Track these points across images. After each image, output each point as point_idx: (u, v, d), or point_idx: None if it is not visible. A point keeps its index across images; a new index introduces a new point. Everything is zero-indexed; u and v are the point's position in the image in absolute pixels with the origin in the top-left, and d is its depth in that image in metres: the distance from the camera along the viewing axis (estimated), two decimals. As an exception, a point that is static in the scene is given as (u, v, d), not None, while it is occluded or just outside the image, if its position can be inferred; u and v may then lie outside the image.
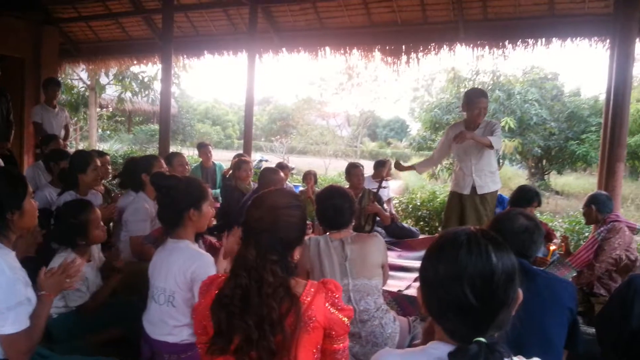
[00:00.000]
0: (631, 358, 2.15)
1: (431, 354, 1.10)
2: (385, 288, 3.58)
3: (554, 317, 1.90)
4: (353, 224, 2.67)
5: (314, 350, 1.50)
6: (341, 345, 1.57)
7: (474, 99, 4.29)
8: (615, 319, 2.18)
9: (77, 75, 13.07)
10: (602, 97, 6.12)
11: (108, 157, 4.72)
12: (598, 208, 3.70)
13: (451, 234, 1.16)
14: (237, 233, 2.40)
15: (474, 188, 4.44)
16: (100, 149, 7.06)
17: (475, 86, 15.31)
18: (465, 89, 15.49)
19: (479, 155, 4.42)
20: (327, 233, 2.59)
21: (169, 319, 2.19)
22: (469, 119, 4.36)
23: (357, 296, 2.46)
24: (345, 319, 1.56)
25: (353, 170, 5.15)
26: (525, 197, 3.95)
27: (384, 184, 5.44)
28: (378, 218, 5.23)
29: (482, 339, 1.02)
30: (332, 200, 2.56)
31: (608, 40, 5.55)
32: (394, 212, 5.87)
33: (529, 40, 6.16)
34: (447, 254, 1.11)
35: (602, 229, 3.62)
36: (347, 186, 5.26)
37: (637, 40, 4.91)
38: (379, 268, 2.58)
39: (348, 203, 2.58)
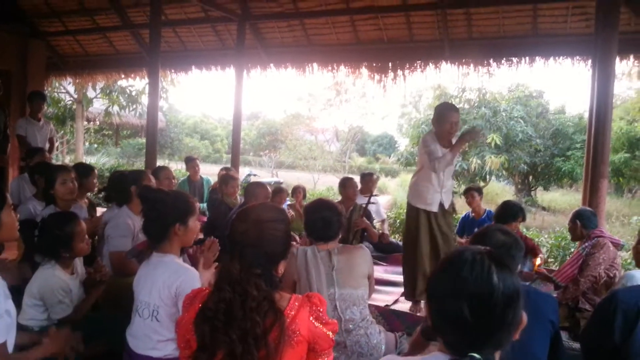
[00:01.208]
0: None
1: None
2: (372, 302, 3.60)
3: (536, 330, 1.92)
4: (340, 236, 2.70)
5: (298, 365, 1.51)
6: (325, 359, 1.57)
7: (445, 113, 4.02)
8: (598, 334, 2.20)
9: (64, 89, 13.02)
10: (586, 115, 6.23)
11: (95, 172, 4.70)
12: (583, 224, 3.75)
13: (458, 252, 1.19)
14: (215, 244, 2.43)
15: (441, 205, 4.14)
16: (88, 162, 7.02)
17: (461, 103, 15.52)
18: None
19: (448, 171, 4.19)
20: (315, 244, 2.63)
21: (153, 333, 2.17)
22: (440, 133, 4.06)
23: (343, 305, 2.49)
24: (330, 333, 1.57)
25: (348, 183, 5.22)
26: (510, 212, 3.99)
27: (372, 199, 5.48)
28: (366, 233, 5.26)
29: (477, 355, 1.06)
30: (321, 212, 2.60)
31: (590, 60, 5.69)
32: (387, 232, 5.86)
33: (513, 58, 6.30)
34: (450, 270, 1.16)
35: (586, 244, 3.67)
36: (339, 199, 5.31)
37: (617, 59, 5.05)
38: (365, 278, 2.61)
39: (336, 216, 2.62)
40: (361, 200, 5.41)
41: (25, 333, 2.34)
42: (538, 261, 4.30)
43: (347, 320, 2.47)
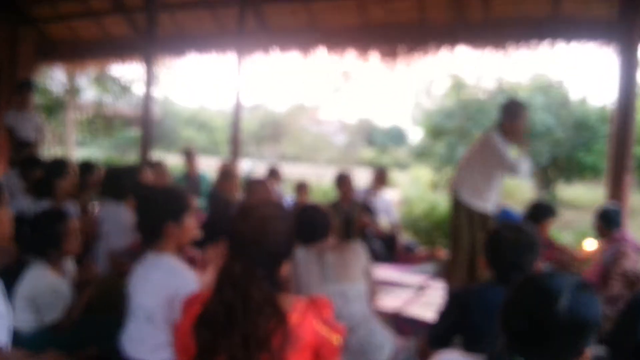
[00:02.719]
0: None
1: None
2: (381, 309, 3.61)
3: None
4: (331, 237, 2.77)
5: (302, 371, 1.52)
6: (332, 365, 1.58)
7: (521, 111, 4.15)
8: (625, 332, 2.23)
9: (55, 77, 13.06)
10: (609, 105, 6.19)
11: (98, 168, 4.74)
12: (604, 224, 3.76)
13: (547, 275, 1.39)
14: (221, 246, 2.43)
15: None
16: (79, 155, 7.05)
17: (478, 93, 15.44)
18: (469, 97, 15.63)
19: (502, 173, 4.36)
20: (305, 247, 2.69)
21: (148, 337, 2.19)
22: (511, 130, 4.16)
23: (341, 301, 2.51)
24: (336, 338, 1.57)
25: (343, 180, 5.21)
26: (541, 211, 4.02)
27: (379, 197, 5.49)
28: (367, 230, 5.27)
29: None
30: (306, 215, 2.69)
31: (614, 44, 5.63)
32: (400, 239, 5.80)
33: (532, 40, 6.22)
34: (541, 302, 1.27)
35: (607, 252, 3.68)
36: (339, 197, 5.32)
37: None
38: (361, 273, 2.66)
39: (321, 216, 2.73)
40: (369, 195, 5.42)
41: (23, 351, 2.38)
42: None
43: (346, 317, 2.48)
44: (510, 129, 4.17)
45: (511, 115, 4.17)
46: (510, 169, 4.12)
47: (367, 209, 5.21)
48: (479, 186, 4.25)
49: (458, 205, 4.31)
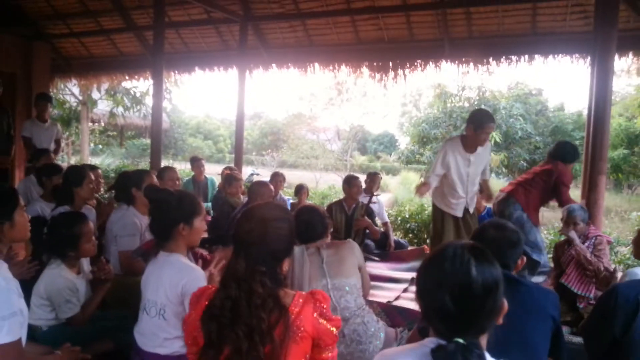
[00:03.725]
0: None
1: (426, 346, 1.22)
2: (374, 299, 3.61)
3: (537, 326, 1.93)
4: (328, 237, 2.79)
5: (303, 360, 1.52)
6: (329, 354, 1.59)
7: (485, 122, 4.09)
8: (600, 327, 2.21)
9: (69, 91, 13.06)
10: (585, 112, 6.22)
11: (99, 171, 4.73)
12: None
13: (442, 247, 1.30)
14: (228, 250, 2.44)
15: (466, 209, 4.44)
16: (92, 163, 7.05)
17: (461, 101, 15.51)
18: (452, 105, 15.70)
19: (476, 181, 4.42)
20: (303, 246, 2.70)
21: (160, 331, 2.19)
22: (472, 140, 4.19)
23: (337, 294, 2.55)
24: (334, 329, 1.58)
25: (353, 181, 5.24)
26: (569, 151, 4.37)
27: (374, 199, 5.50)
28: (367, 231, 5.27)
29: (460, 340, 1.14)
30: (303, 216, 2.68)
31: (589, 57, 5.69)
32: (391, 234, 5.81)
33: (513, 57, 6.31)
34: (434, 265, 1.27)
35: (587, 243, 3.70)
36: (343, 197, 5.33)
37: (616, 57, 5.04)
38: (355, 269, 2.69)
39: (319, 217, 2.73)
40: (364, 198, 5.42)
41: (39, 345, 2.37)
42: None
43: (342, 308, 2.53)
44: (472, 137, 4.18)
45: (475, 124, 4.13)
46: (427, 174, 4.29)
47: (368, 212, 5.21)
48: (440, 191, 4.48)
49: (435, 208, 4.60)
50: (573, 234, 3.68)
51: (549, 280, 4.19)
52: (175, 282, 2.16)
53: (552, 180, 4.30)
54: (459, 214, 4.42)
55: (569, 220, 3.79)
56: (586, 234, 3.75)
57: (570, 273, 3.70)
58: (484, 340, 1.24)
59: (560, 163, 4.33)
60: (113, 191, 4.18)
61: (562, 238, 4.09)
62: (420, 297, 1.29)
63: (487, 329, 1.23)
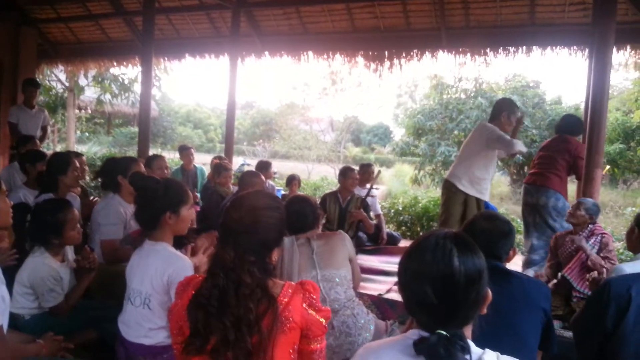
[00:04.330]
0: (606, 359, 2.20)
1: (409, 338, 1.21)
2: (365, 292, 3.62)
3: (527, 318, 1.95)
4: (319, 228, 2.82)
5: (291, 351, 1.52)
6: (318, 345, 1.58)
7: (515, 109, 4.34)
8: (592, 321, 2.23)
9: (55, 77, 12.92)
10: (583, 106, 6.25)
11: (84, 158, 4.69)
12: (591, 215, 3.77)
13: (424, 237, 1.27)
14: (212, 235, 2.44)
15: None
16: (78, 151, 6.98)
17: (458, 93, 15.52)
18: (449, 96, 15.71)
19: (494, 164, 4.59)
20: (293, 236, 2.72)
21: (145, 321, 2.18)
22: (502, 125, 4.34)
23: (327, 286, 2.56)
24: (323, 320, 1.57)
25: (349, 173, 5.24)
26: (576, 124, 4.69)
27: (372, 192, 5.50)
28: (361, 224, 5.28)
29: (442, 332, 1.13)
30: (294, 206, 2.69)
31: (587, 50, 5.70)
32: (384, 227, 5.82)
33: (510, 48, 6.30)
34: (415, 255, 1.25)
35: (592, 240, 3.67)
36: (337, 188, 5.33)
37: (614, 50, 5.05)
38: (346, 260, 2.71)
39: (310, 207, 2.76)
40: (358, 191, 5.42)
41: (22, 334, 2.36)
42: None
43: (332, 300, 2.54)
44: (502, 123, 4.31)
45: (504, 113, 4.31)
46: (508, 144, 4.22)
47: (364, 204, 5.21)
48: (477, 176, 4.40)
49: (453, 196, 4.45)
50: (583, 242, 3.62)
51: (542, 270, 4.20)
52: (161, 272, 2.16)
53: (572, 157, 4.58)
54: (486, 197, 4.52)
55: (578, 205, 3.78)
56: (592, 230, 3.73)
57: (573, 268, 3.68)
58: (468, 331, 1.22)
59: (573, 138, 4.69)
60: (99, 179, 4.16)
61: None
62: (402, 288, 1.27)
63: (470, 320, 1.22)
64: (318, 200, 5.10)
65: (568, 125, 4.76)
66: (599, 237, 3.68)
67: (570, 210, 3.83)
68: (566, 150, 4.62)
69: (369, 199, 5.52)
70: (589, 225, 3.74)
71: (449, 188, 4.51)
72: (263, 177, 4.26)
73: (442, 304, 1.16)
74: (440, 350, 1.10)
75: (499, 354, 1.20)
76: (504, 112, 4.36)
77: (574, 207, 3.82)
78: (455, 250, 1.19)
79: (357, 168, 5.72)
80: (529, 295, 1.99)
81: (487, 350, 1.19)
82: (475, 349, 1.18)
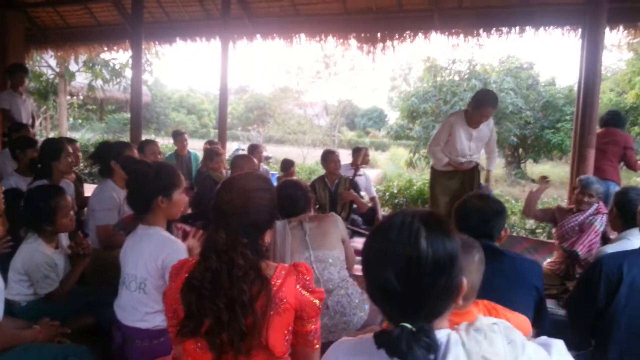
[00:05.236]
0: (598, 337, 2.24)
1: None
2: (361, 273, 3.64)
3: (520, 296, 1.97)
4: (311, 212, 2.87)
5: (285, 332, 1.53)
6: (312, 327, 1.59)
7: (483, 106, 4.33)
8: (584, 299, 2.27)
9: (46, 62, 12.77)
10: (577, 87, 6.27)
11: (78, 144, 4.66)
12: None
13: (390, 215, 1.12)
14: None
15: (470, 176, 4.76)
16: (72, 137, 6.93)
17: (451, 75, 15.47)
18: (442, 79, 15.67)
19: (475, 157, 4.75)
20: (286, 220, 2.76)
21: (141, 305, 2.19)
22: (471, 116, 4.46)
23: (320, 266, 2.60)
24: (316, 301, 1.58)
25: (329, 157, 5.18)
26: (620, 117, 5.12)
27: (360, 171, 5.50)
28: (355, 205, 5.29)
29: (408, 325, 0.98)
30: (286, 190, 2.73)
31: (580, 30, 5.68)
32: (379, 209, 5.83)
33: (503, 28, 6.26)
34: (378, 235, 1.09)
35: (599, 219, 3.68)
36: (324, 173, 5.32)
37: (607, 29, 5.05)
38: (339, 241, 2.74)
39: (301, 191, 2.79)
40: (349, 172, 5.42)
41: (18, 320, 2.36)
42: None
43: (325, 280, 2.58)
44: (470, 114, 4.44)
45: (474, 103, 4.39)
46: (430, 145, 4.78)
47: (353, 185, 5.22)
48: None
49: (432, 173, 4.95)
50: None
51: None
52: (155, 256, 2.16)
53: (621, 148, 5.01)
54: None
55: (584, 191, 3.76)
56: (597, 208, 3.74)
57: (586, 244, 3.65)
58: (444, 323, 1.07)
59: (620, 130, 5.09)
60: (94, 166, 4.13)
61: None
62: (364, 272, 1.11)
63: (441, 312, 1.05)
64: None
65: (614, 119, 5.13)
66: (604, 217, 3.70)
67: (581, 197, 3.78)
68: (615, 142, 5.01)
69: (362, 180, 5.52)
70: (594, 204, 3.76)
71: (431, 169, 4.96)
72: (255, 161, 4.25)
73: (406, 291, 1.00)
74: (402, 345, 0.95)
75: (464, 337, 1.03)
76: (471, 101, 4.48)
77: (582, 193, 3.77)
78: (423, 229, 1.02)
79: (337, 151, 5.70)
80: (521, 274, 2.01)
81: (452, 338, 1.03)
82: (455, 346, 1.02)
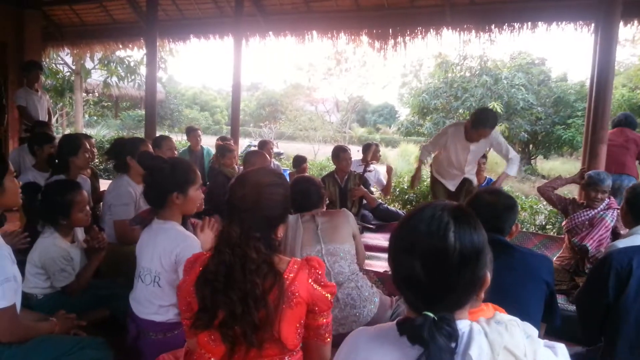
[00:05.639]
0: (607, 332, 2.21)
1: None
2: (371, 268, 3.65)
3: (530, 291, 1.95)
4: (324, 207, 2.88)
5: (297, 325, 1.53)
6: (324, 320, 1.59)
7: (479, 126, 4.33)
8: (594, 294, 2.25)
9: (62, 60, 12.89)
10: (588, 82, 6.18)
11: (93, 140, 4.70)
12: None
13: (421, 207, 1.13)
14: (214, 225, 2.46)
15: (465, 179, 4.84)
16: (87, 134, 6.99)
17: (463, 71, 15.34)
18: (453, 75, 15.55)
19: (473, 164, 4.83)
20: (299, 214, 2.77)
21: (155, 299, 2.21)
22: (468, 131, 4.49)
23: (331, 259, 2.61)
24: (328, 295, 1.58)
25: (342, 154, 5.17)
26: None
27: (370, 167, 5.49)
28: (365, 201, 5.28)
29: (430, 314, 1.00)
30: (299, 185, 2.77)
31: (593, 24, 5.60)
32: (391, 181, 5.88)
33: (515, 24, 6.18)
34: (408, 225, 1.10)
35: (610, 214, 3.64)
36: (335, 169, 5.32)
37: (621, 24, 4.95)
38: (349, 236, 2.76)
39: (314, 187, 2.83)
40: (359, 168, 5.41)
41: (35, 312, 2.39)
42: None
43: (336, 273, 2.60)
44: (468, 129, 4.48)
45: (472, 122, 4.40)
46: (426, 145, 4.97)
47: (363, 180, 5.21)
48: (439, 160, 4.96)
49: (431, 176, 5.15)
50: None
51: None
52: (169, 250, 2.17)
53: (638, 146, 5.31)
54: (452, 188, 4.84)
55: (597, 188, 3.66)
56: (609, 204, 3.70)
57: (595, 239, 3.63)
58: (464, 314, 1.09)
59: (633, 131, 5.42)
60: (110, 162, 4.16)
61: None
62: (390, 261, 1.13)
63: (463, 304, 1.07)
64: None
65: (627, 120, 5.51)
66: (615, 212, 3.67)
67: (594, 195, 3.69)
68: (632, 139, 5.31)
69: (371, 175, 5.51)
70: (606, 200, 3.72)
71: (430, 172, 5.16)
72: (268, 156, 4.26)
73: (430, 282, 1.03)
74: (424, 333, 0.97)
75: (487, 328, 1.04)
76: (470, 118, 4.51)
77: (594, 190, 3.68)
78: (452, 223, 1.04)
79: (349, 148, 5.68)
80: (531, 268, 1.99)
81: (474, 328, 1.04)
82: (478, 336, 1.03)
